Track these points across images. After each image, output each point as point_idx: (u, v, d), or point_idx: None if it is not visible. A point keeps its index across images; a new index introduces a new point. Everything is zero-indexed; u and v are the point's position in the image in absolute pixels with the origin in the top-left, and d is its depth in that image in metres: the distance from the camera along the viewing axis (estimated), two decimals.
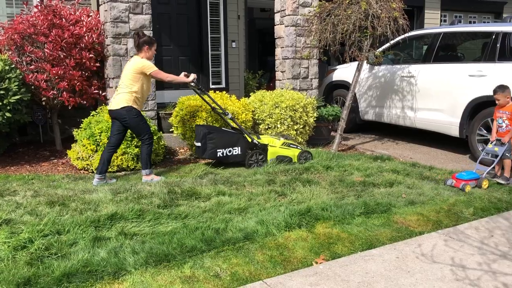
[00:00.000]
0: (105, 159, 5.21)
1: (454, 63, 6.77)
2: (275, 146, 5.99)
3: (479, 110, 6.17)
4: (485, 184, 4.97)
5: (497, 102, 5.31)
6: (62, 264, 3.03)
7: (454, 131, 6.50)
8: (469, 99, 6.22)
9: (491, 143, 5.33)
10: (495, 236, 3.75)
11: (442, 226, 3.95)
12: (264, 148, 5.92)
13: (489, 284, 2.97)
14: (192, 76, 5.53)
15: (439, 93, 6.69)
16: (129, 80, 5.15)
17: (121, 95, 5.15)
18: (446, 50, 7.23)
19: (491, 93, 5.92)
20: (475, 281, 3.01)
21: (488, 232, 3.83)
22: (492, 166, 5.19)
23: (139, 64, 5.14)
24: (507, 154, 5.20)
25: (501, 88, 5.27)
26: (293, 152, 6.05)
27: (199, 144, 5.74)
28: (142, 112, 5.40)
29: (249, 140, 5.88)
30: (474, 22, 13.64)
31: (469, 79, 6.28)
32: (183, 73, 5.57)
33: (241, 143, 5.87)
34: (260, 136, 6.15)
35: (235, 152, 5.84)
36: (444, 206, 4.34)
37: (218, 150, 5.73)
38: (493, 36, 6.24)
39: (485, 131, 6.10)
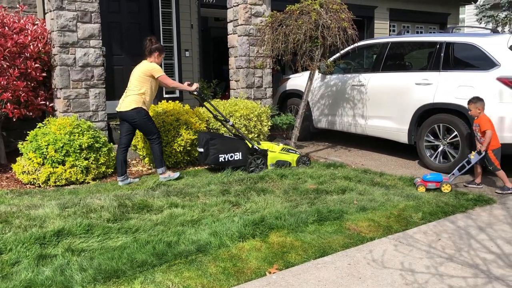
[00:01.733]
0: (121, 160, 5.52)
1: (401, 72, 6.99)
2: (275, 151, 6.19)
3: (426, 117, 6.39)
4: (446, 188, 5.16)
5: (469, 112, 5.45)
6: (3, 286, 2.88)
7: (403, 138, 6.70)
8: (416, 107, 6.44)
9: (473, 153, 5.36)
10: (442, 239, 3.87)
11: (392, 231, 4.04)
12: (264, 154, 6.11)
13: (436, 287, 3.05)
14: (195, 85, 5.80)
15: (388, 101, 6.88)
16: (138, 82, 5.45)
17: (130, 97, 5.44)
18: (394, 59, 7.46)
19: (437, 101, 6.18)
20: (423, 284, 3.08)
21: (436, 235, 3.95)
22: (461, 172, 5.30)
23: (149, 67, 5.48)
24: (489, 167, 5.29)
25: (474, 100, 5.35)
26: (292, 157, 6.26)
27: (201, 150, 5.89)
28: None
29: (250, 145, 6.05)
30: (421, 32, 14.21)
31: (416, 87, 6.51)
32: (186, 82, 5.90)
33: (242, 148, 6.04)
34: (261, 142, 6.34)
35: (236, 157, 6.01)
36: (394, 211, 4.44)
37: (220, 156, 5.89)
38: (437, 46, 6.50)
39: (432, 137, 6.32)
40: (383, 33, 13.01)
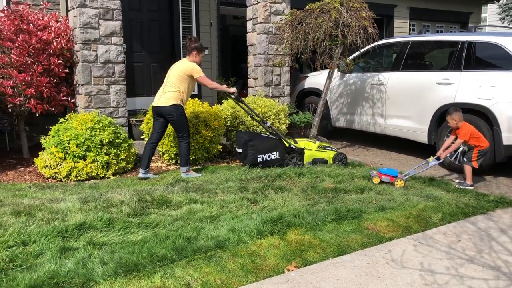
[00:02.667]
0: (148, 154, 5.62)
1: (422, 71, 6.93)
2: (311, 149, 6.21)
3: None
4: (398, 183, 5.27)
5: (448, 124, 5.62)
6: (27, 276, 2.94)
7: (423, 138, 6.64)
8: (436, 107, 6.37)
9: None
10: (463, 240, 3.83)
11: (412, 231, 4.01)
12: (301, 152, 6.14)
13: None
14: (234, 89, 5.92)
15: (408, 100, 6.83)
16: (178, 80, 5.53)
17: (169, 93, 5.52)
18: (415, 58, 7.39)
19: (458, 101, 6.11)
20: (443, 285, 3.06)
21: (456, 236, 3.92)
22: (413, 169, 5.55)
23: (189, 67, 5.56)
24: (465, 159, 5.46)
25: (450, 111, 5.46)
26: (329, 154, 6.27)
27: (240, 150, 5.97)
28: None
29: (287, 145, 6.08)
30: (441, 32, 14.03)
31: (437, 87, 6.44)
32: (224, 85, 6.09)
33: (279, 148, 6.07)
34: (297, 140, 6.32)
35: (274, 156, 6.04)
36: (413, 212, 4.41)
37: (258, 156, 5.94)
38: (459, 45, 6.42)
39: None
40: (403, 32, 12.88)
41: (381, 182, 5.37)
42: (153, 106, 5.68)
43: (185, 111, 6.16)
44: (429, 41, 7.31)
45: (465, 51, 6.30)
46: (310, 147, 6.23)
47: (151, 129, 5.87)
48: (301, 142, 6.27)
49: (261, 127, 6.57)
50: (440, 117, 6.37)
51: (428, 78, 6.63)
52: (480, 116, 5.91)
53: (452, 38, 6.79)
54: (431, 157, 5.52)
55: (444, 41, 7.17)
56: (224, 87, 5.96)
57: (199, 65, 5.71)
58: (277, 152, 6.05)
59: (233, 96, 5.97)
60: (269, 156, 6.01)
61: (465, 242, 3.80)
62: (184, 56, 5.81)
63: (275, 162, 6.05)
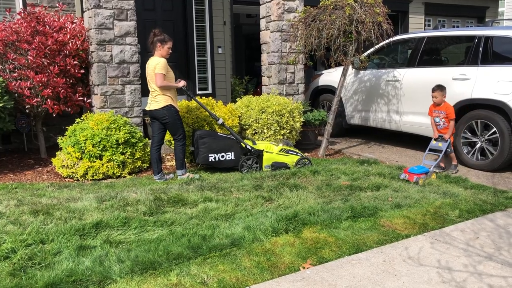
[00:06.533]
0: (156, 159, 5.51)
1: (438, 67, 6.84)
2: (272, 152, 5.94)
3: (464, 113, 6.23)
4: (433, 176, 5.45)
5: (434, 100, 5.87)
6: (46, 274, 2.98)
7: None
8: (453, 103, 6.28)
9: (434, 140, 5.92)
10: (481, 238, 3.78)
11: (429, 228, 3.97)
12: (258, 154, 5.88)
13: (474, 286, 2.99)
14: (182, 82, 5.56)
15: (423, 96, 6.75)
16: (154, 81, 5.34)
17: (158, 97, 5.38)
18: (430, 54, 7.30)
19: (475, 96, 6.02)
20: (461, 283, 3.02)
21: (474, 234, 3.86)
22: (438, 160, 5.76)
23: (154, 63, 5.32)
24: (448, 149, 5.77)
25: (440, 87, 5.82)
26: (291, 159, 6.00)
27: (192, 148, 5.80)
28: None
29: (243, 145, 5.86)
30: (457, 27, 13.84)
31: (453, 82, 6.35)
32: (178, 80, 5.63)
33: (235, 148, 5.85)
34: (257, 142, 6.11)
35: (228, 157, 5.83)
36: (430, 209, 4.36)
37: (210, 155, 5.73)
38: (476, 40, 6.32)
39: (470, 134, 6.17)
40: (418, 28, 12.73)
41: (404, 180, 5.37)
42: (145, 110, 5.57)
43: (200, 109, 6.13)
44: (445, 36, 7.22)
45: (482, 46, 6.20)
46: (271, 149, 5.94)
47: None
48: (261, 144, 6.01)
49: (268, 132, 6.55)
50: (457, 113, 6.28)
51: (444, 74, 6.54)
52: (498, 111, 5.82)
53: (468, 33, 6.69)
54: (433, 141, 5.89)
55: (460, 36, 7.06)
56: (174, 83, 5.47)
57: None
58: (232, 153, 5.83)
59: (184, 88, 5.55)
60: (222, 156, 5.79)
61: (483, 239, 3.75)
62: (152, 55, 5.54)
63: (229, 163, 5.83)
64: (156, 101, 5.40)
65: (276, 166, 5.91)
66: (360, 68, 7.89)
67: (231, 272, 3.13)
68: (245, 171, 5.79)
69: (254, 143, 5.98)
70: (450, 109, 5.77)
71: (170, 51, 5.52)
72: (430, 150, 5.92)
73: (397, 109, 7.23)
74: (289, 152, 6.05)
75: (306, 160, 6.08)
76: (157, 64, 5.29)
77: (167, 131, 5.69)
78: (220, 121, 5.88)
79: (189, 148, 6.09)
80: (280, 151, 5.98)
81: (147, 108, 5.56)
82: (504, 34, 6.10)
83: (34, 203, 4.43)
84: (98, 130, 5.70)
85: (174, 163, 6.51)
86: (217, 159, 5.77)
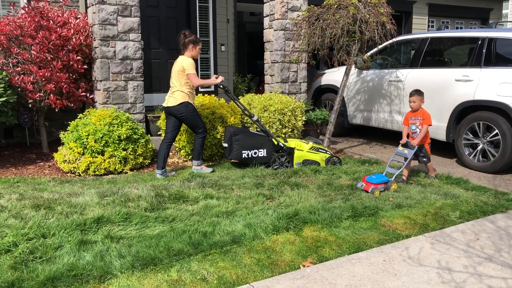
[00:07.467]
0: (164, 154, 5.60)
1: (441, 68, 6.84)
2: (303, 150, 6.01)
3: (466, 114, 6.23)
4: (394, 187, 4.97)
5: (411, 105, 5.35)
6: (47, 268, 2.99)
7: (441, 135, 6.56)
8: (455, 104, 6.29)
9: (401, 146, 5.34)
10: (481, 239, 3.78)
11: (429, 229, 3.97)
12: (290, 152, 5.95)
13: (474, 286, 2.99)
14: (221, 78, 5.72)
15: (426, 97, 6.71)
16: (177, 79, 5.50)
17: (176, 93, 5.52)
18: (433, 55, 7.30)
19: (477, 98, 6.01)
20: (461, 283, 3.03)
21: (474, 235, 3.86)
22: (402, 169, 5.22)
23: (183, 62, 5.48)
24: (425, 159, 5.31)
25: (418, 92, 5.34)
26: (321, 157, 6.05)
27: (226, 145, 5.86)
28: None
29: (275, 143, 5.93)
30: (461, 28, 13.81)
31: (456, 83, 6.35)
32: (214, 76, 5.88)
33: (267, 145, 5.93)
34: (288, 139, 6.17)
35: (261, 154, 5.91)
36: (431, 210, 4.36)
37: (243, 152, 5.81)
38: (479, 42, 6.32)
39: (472, 136, 6.17)
40: (421, 29, 12.71)
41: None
42: (163, 106, 5.71)
43: (203, 107, 6.17)
44: (448, 37, 7.21)
45: (486, 47, 6.19)
46: (301, 147, 5.99)
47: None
48: (292, 142, 6.05)
49: (270, 130, 6.56)
50: (459, 114, 6.29)
51: (447, 75, 6.54)
52: (500, 113, 5.81)
53: (472, 34, 6.68)
54: (400, 147, 5.33)
55: (464, 37, 7.05)
56: (211, 80, 5.77)
57: (196, 61, 5.60)
58: (265, 150, 5.89)
59: (221, 86, 5.76)
60: (255, 153, 5.85)
61: (484, 240, 3.75)
62: (181, 54, 5.67)
63: (261, 159, 5.89)
64: (174, 97, 5.52)
65: (307, 163, 5.97)
66: (363, 68, 7.88)
67: (231, 269, 3.14)
68: (277, 167, 5.85)
69: (285, 141, 6.06)
70: (427, 115, 5.27)
71: (200, 52, 5.67)
72: (396, 156, 5.40)
73: (400, 110, 7.23)
74: (319, 150, 6.11)
75: (335, 158, 6.12)
76: (185, 64, 5.45)
77: (179, 130, 5.79)
78: (255, 118, 5.95)
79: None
80: (310, 149, 6.06)
81: (164, 104, 5.66)
82: (507, 36, 6.09)
83: (35, 198, 4.44)
84: (100, 125, 5.71)
85: (176, 160, 6.53)
86: (250, 156, 5.86)
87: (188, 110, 5.52)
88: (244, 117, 6.72)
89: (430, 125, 5.26)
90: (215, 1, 9.19)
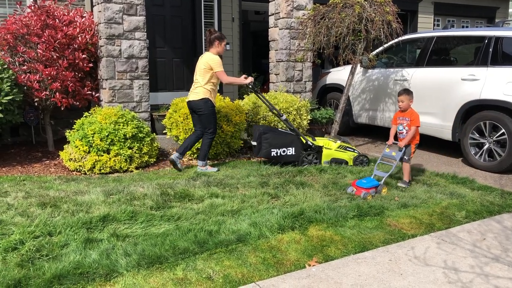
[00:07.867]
0: (189, 143, 5.69)
1: (447, 67, 6.80)
2: (331, 148, 6.02)
3: (472, 114, 6.20)
4: (384, 191, 4.81)
5: (400, 104, 5.16)
6: (53, 266, 3.01)
7: (447, 135, 6.53)
8: (461, 103, 6.26)
9: (388, 147, 5.17)
10: (488, 239, 3.76)
11: (435, 229, 3.96)
12: (318, 150, 5.97)
13: (481, 287, 2.98)
14: (250, 78, 5.80)
15: (432, 96, 6.72)
16: (201, 75, 5.56)
17: (198, 88, 5.60)
18: (439, 54, 7.26)
19: (484, 97, 5.98)
20: (467, 283, 3.01)
21: (481, 235, 3.85)
22: (390, 171, 5.01)
23: (210, 59, 5.54)
24: (405, 157, 5.11)
25: (407, 91, 5.17)
26: (349, 156, 6.05)
27: (254, 143, 5.87)
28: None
29: (304, 141, 5.94)
30: (467, 27, 13.75)
31: (462, 83, 6.32)
32: (243, 76, 5.92)
33: (296, 144, 5.93)
34: (316, 138, 6.19)
35: (289, 152, 5.91)
36: (437, 209, 4.35)
37: (272, 150, 5.82)
38: (486, 41, 6.28)
39: (478, 135, 6.14)
40: (427, 28, 12.66)
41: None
42: (186, 101, 5.79)
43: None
44: (454, 36, 7.17)
45: (492, 46, 6.16)
46: (330, 146, 6.01)
47: (173, 124, 5.89)
48: (321, 141, 6.09)
49: (280, 126, 6.56)
50: (465, 114, 6.26)
51: (453, 74, 6.51)
52: (506, 112, 5.79)
53: (478, 33, 6.64)
54: (387, 149, 5.13)
55: (470, 36, 7.02)
56: (240, 80, 5.88)
57: (221, 57, 5.67)
58: (293, 148, 5.90)
59: (250, 86, 5.88)
60: (284, 151, 5.86)
61: (490, 240, 3.73)
62: (207, 50, 5.81)
63: (290, 158, 5.90)
64: (195, 92, 5.60)
65: (335, 162, 5.98)
66: (369, 67, 7.86)
67: (237, 268, 3.14)
68: (306, 165, 5.85)
69: (313, 139, 6.07)
70: (415, 115, 5.08)
71: (226, 48, 5.71)
72: (383, 159, 5.27)
73: None
74: (347, 148, 6.10)
75: (364, 157, 6.10)
76: (211, 61, 5.50)
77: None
78: (284, 117, 5.97)
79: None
80: (338, 147, 6.05)
81: (187, 99, 5.76)
82: None
83: (41, 196, 4.46)
84: (106, 124, 5.73)
85: (182, 159, 6.53)
86: (279, 154, 5.86)
87: (207, 107, 5.57)
88: (249, 116, 6.72)
89: (419, 126, 5.09)
90: (220, 0, 9.19)
